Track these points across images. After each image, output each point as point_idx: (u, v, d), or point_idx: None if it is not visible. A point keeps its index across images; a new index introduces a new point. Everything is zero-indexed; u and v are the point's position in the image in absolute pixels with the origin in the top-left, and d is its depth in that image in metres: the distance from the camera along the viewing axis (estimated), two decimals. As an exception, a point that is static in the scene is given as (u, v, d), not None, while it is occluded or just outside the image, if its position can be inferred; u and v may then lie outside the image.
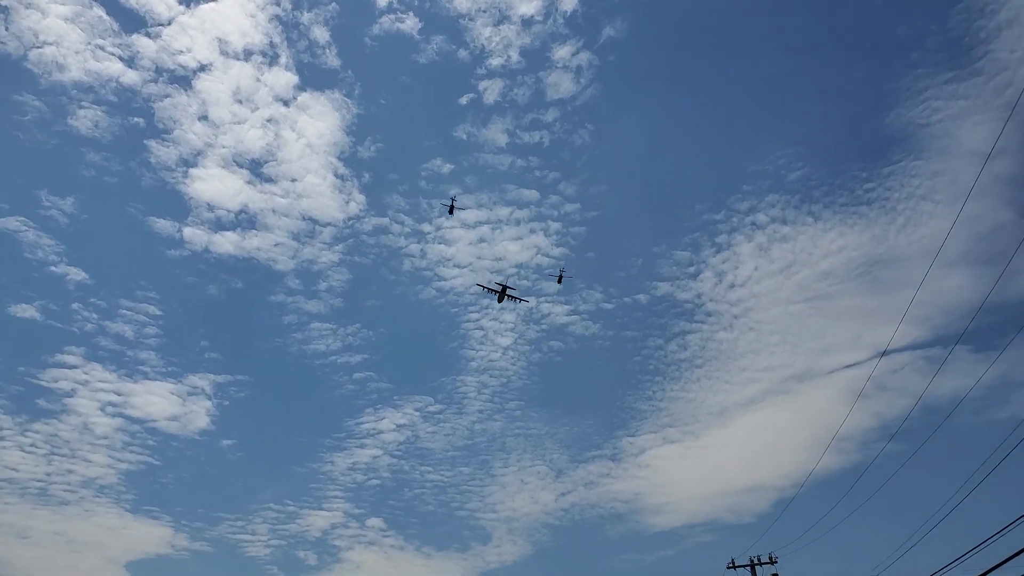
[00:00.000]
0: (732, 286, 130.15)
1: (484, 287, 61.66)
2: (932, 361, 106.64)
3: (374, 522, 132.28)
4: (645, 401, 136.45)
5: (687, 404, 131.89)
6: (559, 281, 67.45)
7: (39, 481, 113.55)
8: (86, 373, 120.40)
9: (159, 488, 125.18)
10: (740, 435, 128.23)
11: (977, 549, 15.82)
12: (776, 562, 29.37)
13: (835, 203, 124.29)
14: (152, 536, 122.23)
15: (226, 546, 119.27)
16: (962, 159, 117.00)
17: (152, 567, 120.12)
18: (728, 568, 31.74)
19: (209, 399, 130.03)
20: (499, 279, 64.56)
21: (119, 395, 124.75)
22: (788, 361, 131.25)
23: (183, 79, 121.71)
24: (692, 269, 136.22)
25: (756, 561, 30.33)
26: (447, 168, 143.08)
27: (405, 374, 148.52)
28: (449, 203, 65.10)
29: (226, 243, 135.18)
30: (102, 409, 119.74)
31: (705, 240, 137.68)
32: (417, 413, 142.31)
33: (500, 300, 59.47)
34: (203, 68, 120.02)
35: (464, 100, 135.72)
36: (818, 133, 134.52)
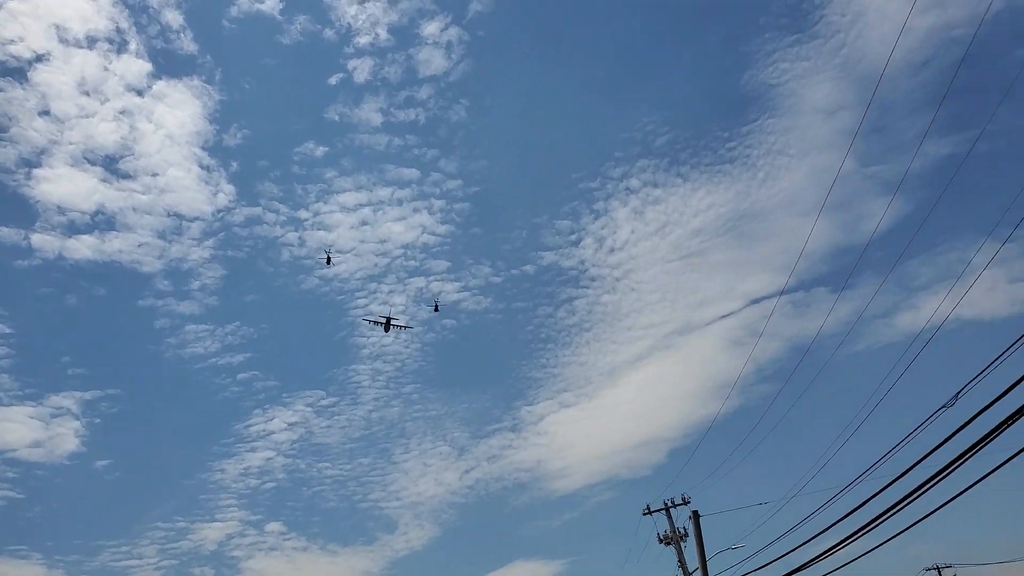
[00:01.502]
0: (612, 250, 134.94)
1: (369, 320, 61.84)
2: (797, 305, 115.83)
3: (273, 526, 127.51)
4: (540, 369, 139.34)
5: (579, 368, 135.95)
6: (436, 310, 69.94)
7: None
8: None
9: (25, 524, 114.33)
10: (631, 392, 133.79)
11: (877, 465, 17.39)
12: (689, 502, 31.08)
13: (701, 163, 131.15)
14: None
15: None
16: (809, 115, 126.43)
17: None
18: (644, 514, 33.22)
19: (77, 419, 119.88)
20: (384, 312, 65.76)
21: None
22: (669, 317, 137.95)
23: (17, 71, 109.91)
24: (574, 237, 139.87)
25: (671, 503, 31.97)
26: (320, 151, 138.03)
27: (293, 369, 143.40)
28: (325, 256, 63.59)
29: (83, 248, 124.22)
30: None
31: (584, 208, 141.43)
32: (309, 408, 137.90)
33: (387, 330, 59.66)
34: (40, 58, 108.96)
35: (333, 80, 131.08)
36: (681, 97, 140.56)
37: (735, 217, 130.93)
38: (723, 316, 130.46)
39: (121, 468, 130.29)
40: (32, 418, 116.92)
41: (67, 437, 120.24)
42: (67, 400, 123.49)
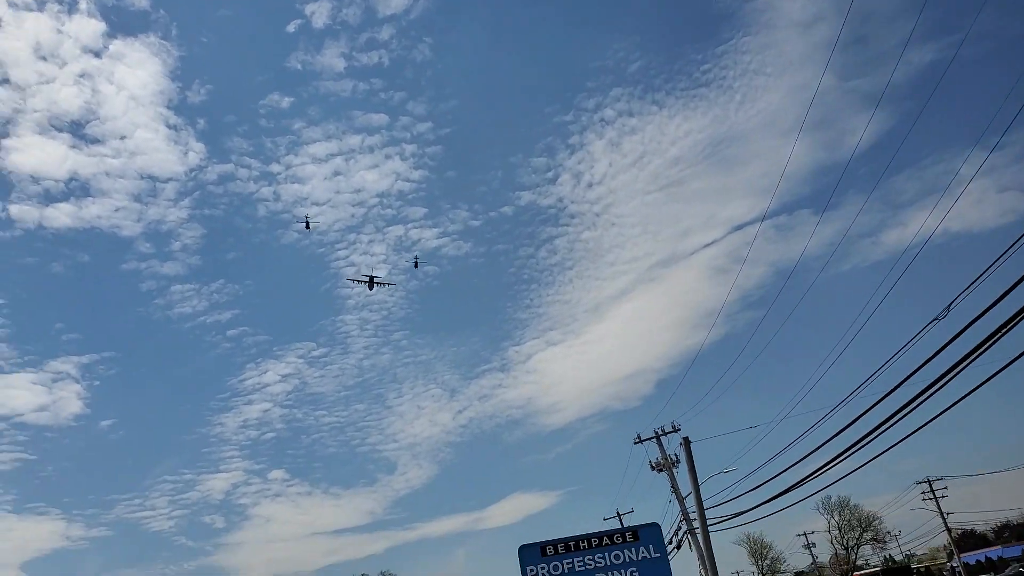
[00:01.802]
0: (590, 185, 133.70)
1: (353, 280, 63.99)
2: (780, 229, 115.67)
3: (276, 474, 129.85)
4: (524, 310, 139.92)
5: (564, 306, 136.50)
6: (415, 266, 72.40)
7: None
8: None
9: (40, 483, 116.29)
10: (616, 327, 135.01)
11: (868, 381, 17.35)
12: (679, 430, 31.46)
13: (676, 89, 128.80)
14: (43, 532, 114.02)
15: (126, 527, 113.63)
16: (785, 30, 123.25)
17: (50, 563, 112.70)
18: (635, 443, 33.72)
19: (77, 382, 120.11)
20: (364, 272, 66.59)
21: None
22: (651, 249, 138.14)
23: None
24: (550, 174, 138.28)
25: (661, 431, 32.36)
26: (286, 102, 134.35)
27: (281, 323, 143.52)
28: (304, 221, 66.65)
29: (61, 216, 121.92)
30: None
31: (559, 143, 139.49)
32: (301, 360, 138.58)
33: (371, 288, 61.67)
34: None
35: (292, 27, 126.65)
36: (652, 20, 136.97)
37: (714, 143, 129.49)
38: (706, 245, 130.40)
39: (125, 427, 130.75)
40: (35, 384, 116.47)
41: (70, 400, 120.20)
42: (65, 365, 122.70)
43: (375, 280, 60.30)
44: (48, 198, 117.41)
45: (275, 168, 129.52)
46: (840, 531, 77.40)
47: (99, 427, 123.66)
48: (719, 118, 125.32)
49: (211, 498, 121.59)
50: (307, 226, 67.40)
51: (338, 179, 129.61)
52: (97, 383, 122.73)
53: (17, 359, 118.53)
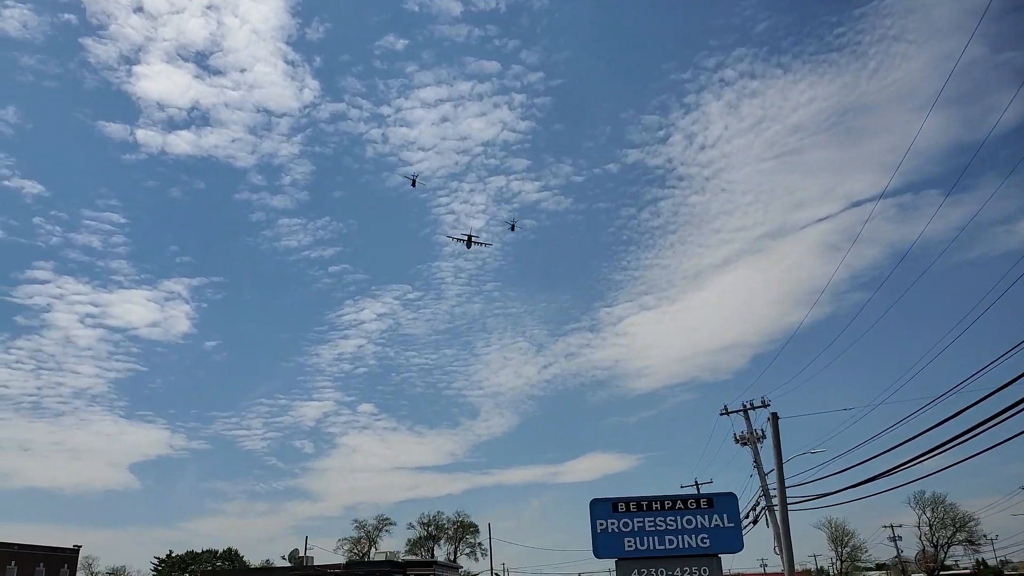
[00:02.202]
0: (702, 148, 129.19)
1: (452, 237, 68.59)
2: (903, 208, 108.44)
3: (365, 407, 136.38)
4: (620, 271, 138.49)
5: (662, 271, 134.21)
6: (512, 228, 74.08)
7: (31, 395, 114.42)
8: (59, 287, 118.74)
9: (150, 393, 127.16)
10: (715, 296, 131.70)
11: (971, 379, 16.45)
12: (769, 405, 30.87)
13: (804, 52, 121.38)
14: (150, 439, 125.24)
15: (223, 442, 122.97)
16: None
17: (155, 467, 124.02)
18: (721, 415, 33.38)
19: (187, 303, 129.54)
20: (463, 232, 72.45)
21: (96, 306, 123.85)
22: (761, 220, 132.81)
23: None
24: (661, 133, 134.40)
25: (749, 405, 31.85)
26: (401, 44, 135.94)
27: (380, 264, 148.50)
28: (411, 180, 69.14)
29: (182, 143, 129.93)
30: (81, 321, 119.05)
31: (673, 102, 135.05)
32: (396, 301, 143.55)
33: (468, 247, 64.98)
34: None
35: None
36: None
37: (839, 112, 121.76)
38: (819, 219, 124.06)
39: (227, 349, 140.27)
40: (149, 301, 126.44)
41: (179, 319, 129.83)
42: (177, 285, 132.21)
43: (473, 239, 63.34)
44: (171, 125, 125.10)
45: (385, 110, 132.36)
46: (931, 527, 73.99)
47: (204, 347, 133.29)
48: (848, 86, 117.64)
49: (302, 424, 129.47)
50: (413, 184, 69.71)
51: (445, 125, 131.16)
52: (205, 305, 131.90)
53: (135, 276, 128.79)
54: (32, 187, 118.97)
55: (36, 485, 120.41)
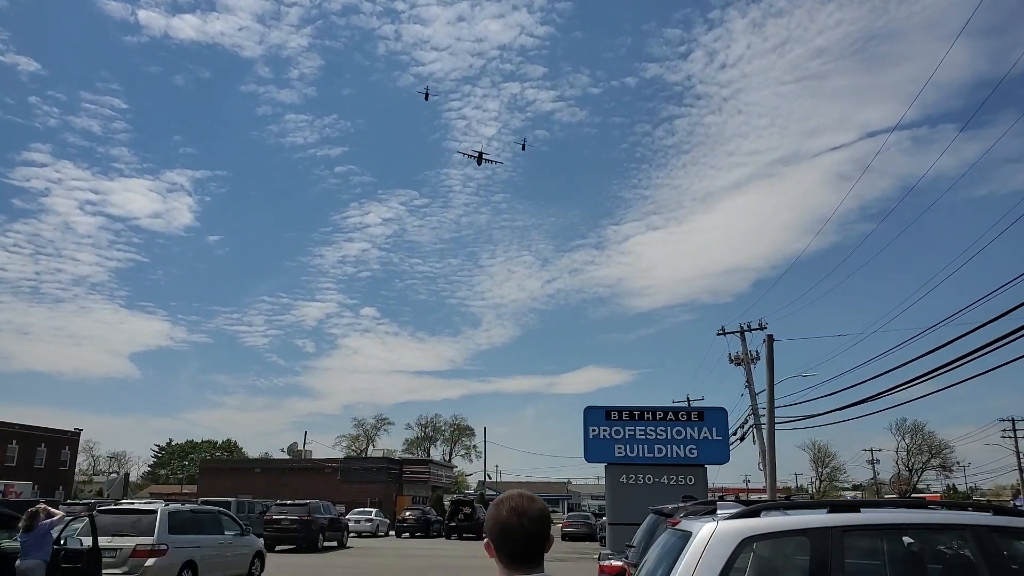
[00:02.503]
0: (723, 66, 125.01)
1: (463, 153, 68.19)
2: (918, 141, 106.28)
3: (368, 311, 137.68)
4: (630, 189, 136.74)
5: (672, 191, 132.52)
6: (523, 148, 73.24)
7: (29, 280, 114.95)
8: (58, 171, 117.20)
9: (151, 284, 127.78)
10: (723, 219, 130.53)
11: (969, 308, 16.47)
12: (766, 327, 31.17)
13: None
14: (150, 329, 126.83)
15: (224, 337, 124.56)
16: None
17: (155, 358, 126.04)
18: (718, 335, 33.76)
19: (190, 195, 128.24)
20: (475, 149, 72.49)
21: (96, 193, 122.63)
22: (775, 144, 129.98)
23: None
24: (683, 48, 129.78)
25: (746, 327, 32.20)
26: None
27: (388, 167, 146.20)
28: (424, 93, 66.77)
29: (186, 27, 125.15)
30: (81, 208, 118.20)
31: (697, 16, 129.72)
32: (402, 207, 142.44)
33: (479, 164, 64.75)
34: None
35: None
36: None
37: (865, 37, 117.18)
38: (834, 148, 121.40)
39: (230, 244, 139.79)
40: (151, 191, 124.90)
41: (182, 211, 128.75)
42: (180, 177, 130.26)
43: (484, 156, 63.02)
44: (175, 7, 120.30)
45: (399, 5, 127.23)
46: (908, 453, 76.76)
47: (206, 241, 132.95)
48: (877, 10, 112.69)
49: (304, 324, 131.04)
50: (426, 98, 67.07)
51: (461, 25, 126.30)
52: (208, 199, 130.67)
53: (137, 164, 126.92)
54: (28, 64, 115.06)
55: (36, 369, 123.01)
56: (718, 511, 4.78)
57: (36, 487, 40.63)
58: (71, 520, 13.11)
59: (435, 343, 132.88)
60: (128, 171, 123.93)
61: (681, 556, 4.45)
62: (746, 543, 4.44)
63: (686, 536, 4.64)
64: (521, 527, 1.94)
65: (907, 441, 77.57)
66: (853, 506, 4.65)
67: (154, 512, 13.92)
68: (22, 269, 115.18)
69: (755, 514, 4.65)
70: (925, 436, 76.70)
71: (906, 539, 4.79)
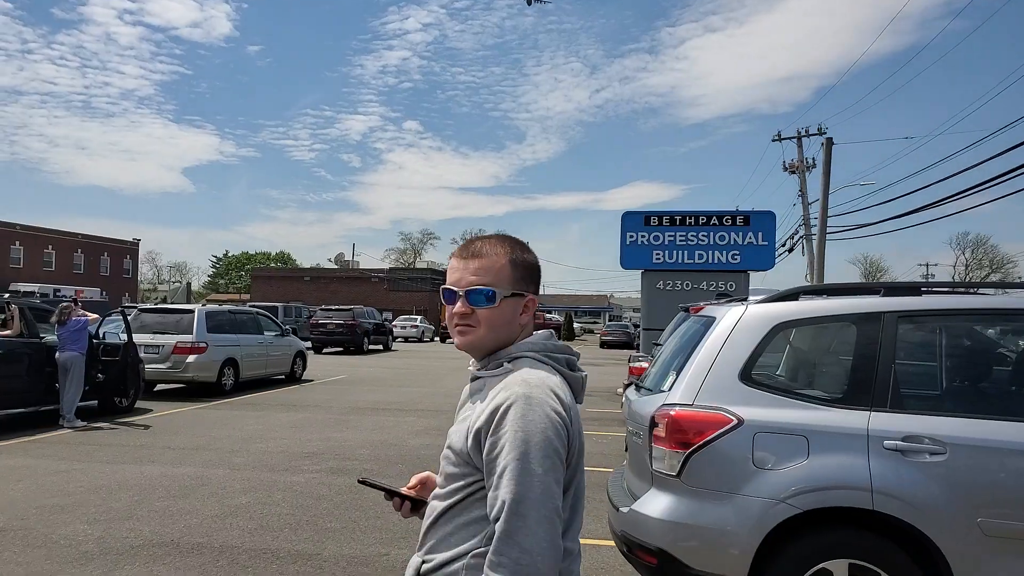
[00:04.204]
0: None
1: None
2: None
3: (411, 125, 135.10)
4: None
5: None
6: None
7: (80, 94, 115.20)
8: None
9: (196, 98, 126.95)
10: (788, 20, 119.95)
11: None
12: (825, 132, 29.02)
13: None
14: (200, 144, 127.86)
15: (272, 151, 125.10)
16: None
17: (207, 172, 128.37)
18: (773, 140, 31.68)
19: (226, 2, 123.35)
20: None
21: (132, 1, 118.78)
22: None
23: None
24: None
25: (804, 132, 30.07)
26: None
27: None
28: None
29: None
30: (120, 17, 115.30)
31: None
32: (443, 10, 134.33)
33: (528, 4, 57.16)
34: None
35: None
36: None
37: None
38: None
39: (271, 55, 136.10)
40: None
41: (220, 20, 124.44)
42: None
43: None
44: None
45: None
46: (967, 268, 74.60)
47: (247, 51, 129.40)
48: None
49: (349, 138, 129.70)
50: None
51: None
52: (245, 5, 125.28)
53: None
54: None
55: (95, 184, 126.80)
56: (750, 298, 4.10)
57: (105, 293, 42.88)
58: (110, 315, 13.43)
59: (479, 159, 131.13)
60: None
61: (699, 345, 3.83)
62: (780, 329, 3.76)
63: (709, 322, 4.00)
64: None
65: (967, 256, 75.14)
66: (913, 288, 3.89)
67: (192, 312, 14.18)
68: (71, 83, 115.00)
69: (793, 297, 3.95)
70: (987, 250, 74.04)
71: (976, 328, 4.07)
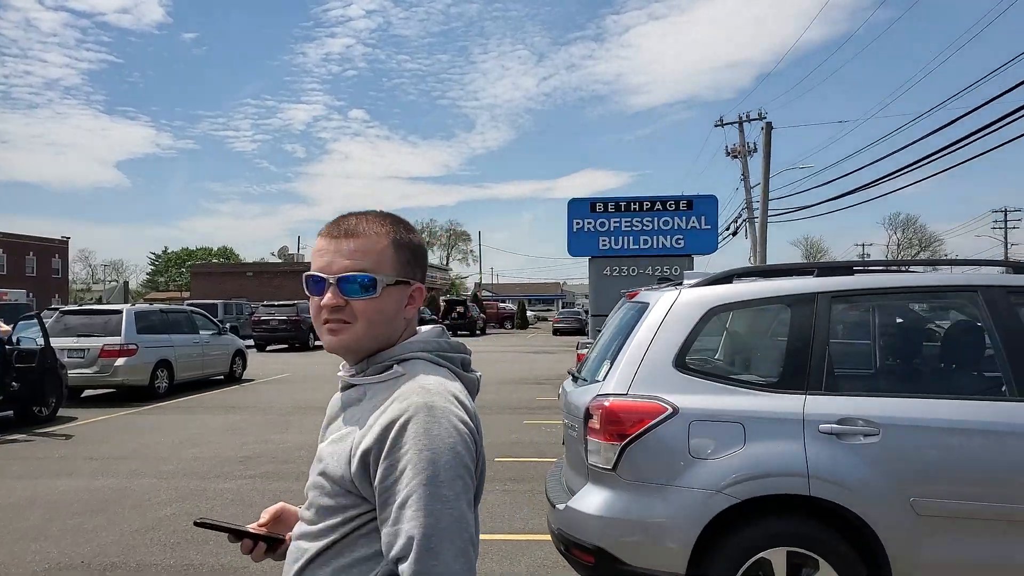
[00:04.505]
0: None
1: None
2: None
3: (357, 113, 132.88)
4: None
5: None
6: None
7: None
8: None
9: (128, 88, 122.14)
10: (730, 6, 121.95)
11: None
12: (765, 117, 29.52)
13: None
14: (135, 136, 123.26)
15: (211, 143, 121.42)
16: None
17: (143, 165, 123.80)
18: (715, 126, 32.06)
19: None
20: None
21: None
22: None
23: None
24: None
25: (745, 117, 30.52)
26: None
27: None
28: None
29: None
30: (40, 2, 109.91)
31: None
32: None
33: None
34: None
35: None
36: None
37: None
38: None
39: (207, 42, 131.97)
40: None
41: (151, 5, 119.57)
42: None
43: None
44: None
45: None
46: (899, 247, 77.79)
47: (182, 39, 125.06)
48: None
49: (292, 128, 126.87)
50: None
51: None
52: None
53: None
54: None
55: (20, 179, 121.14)
56: (684, 282, 3.97)
57: (31, 295, 40.95)
58: (25, 319, 12.68)
59: (428, 148, 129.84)
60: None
61: (633, 332, 3.69)
62: (713, 313, 3.64)
63: (643, 308, 3.86)
64: None
65: (899, 235, 78.46)
66: (845, 268, 3.82)
67: (120, 312, 13.53)
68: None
69: (726, 280, 3.84)
70: (917, 229, 77.58)
71: (907, 306, 4.04)
